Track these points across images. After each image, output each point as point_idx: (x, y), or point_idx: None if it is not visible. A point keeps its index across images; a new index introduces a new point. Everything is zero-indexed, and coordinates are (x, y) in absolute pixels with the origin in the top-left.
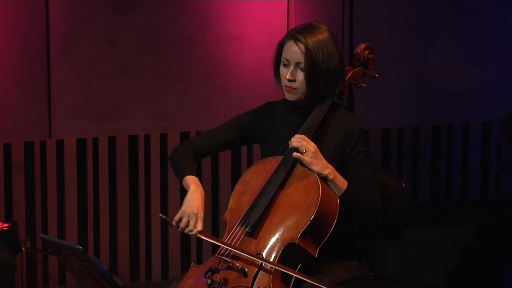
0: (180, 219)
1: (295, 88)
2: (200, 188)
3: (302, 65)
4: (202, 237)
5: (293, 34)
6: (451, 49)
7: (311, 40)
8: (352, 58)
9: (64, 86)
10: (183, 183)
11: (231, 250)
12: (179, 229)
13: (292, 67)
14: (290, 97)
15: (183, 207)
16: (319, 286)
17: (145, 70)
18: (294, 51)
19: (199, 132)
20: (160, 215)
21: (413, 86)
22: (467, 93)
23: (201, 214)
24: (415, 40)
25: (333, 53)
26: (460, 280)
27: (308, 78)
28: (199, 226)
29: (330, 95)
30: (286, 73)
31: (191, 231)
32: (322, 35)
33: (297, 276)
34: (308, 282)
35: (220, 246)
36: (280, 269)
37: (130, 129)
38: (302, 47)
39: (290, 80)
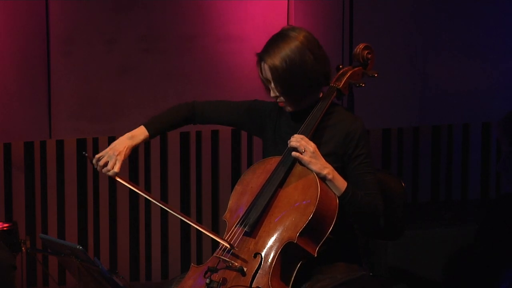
0: (100, 158)
1: (284, 101)
2: (133, 141)
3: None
4: (119, 180)
5: (258, 54)
6: (451, 49)
7: (274, 53)
8: (351, 58)
9: (64, 86)
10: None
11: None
12: (98, 167)
13: (272, 84)
14: (287, 109)
15: (107, 148)
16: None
17: (145, 70)
18: (264, 70)
19: (199, 132)
20: (83, 152)
21: (413, 86)
22: (467, 93)
23: (120, 157)
24: (415, 40)
25: (303, 56)
26: (460, 280)
27: (283, 90)
28: (116, 168)
29: (319, 92)
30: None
31: (108, 171)
32: (287, 43)
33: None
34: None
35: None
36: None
37: (130, 129)
38: (266, 64)
39: (275, 97)
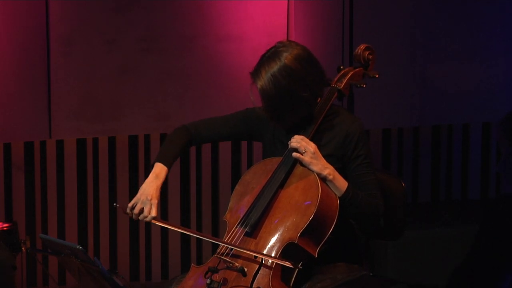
0: (134, 206)
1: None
2: (160, 179)
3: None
4: (157, 223)
5: (252, 74)
6: (451, 49)
7: (263, 77)
8: (352, 58)
9: (64, 86)
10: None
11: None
12: (134, 216)
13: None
14: (279, 127)
15: (138, 195)
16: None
17: (145, 70)
18: (256, 93)
19: None
20: (114, 204)
21: (413, 86)
22: (467, 93)
23: (154, 201)
24: (415, 40)
25: (292, 78)
26: (460, 280)
27: (272, 114)
28: (153, 212)
29: (312, 108)
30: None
31: (146, 217)
32: (276, 65)
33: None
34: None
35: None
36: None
37: (130, 129)
38: (258, 88)
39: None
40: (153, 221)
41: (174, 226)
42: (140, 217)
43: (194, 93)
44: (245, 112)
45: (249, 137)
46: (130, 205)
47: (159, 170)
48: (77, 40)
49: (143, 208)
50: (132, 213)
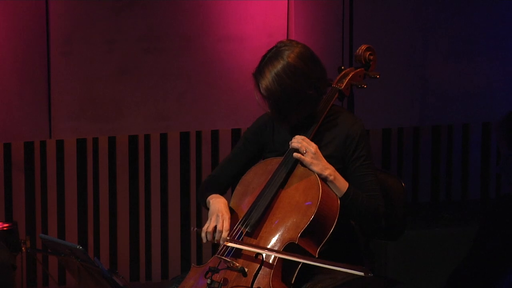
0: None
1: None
2: (221, 198)
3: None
4: (231, 244)
5: (254, 74)
6: (451, 49)
7: (267, 77)
8: (353, 59)
9: (64, 86)
10: (208, 206)
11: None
12: (209, 236)
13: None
14: (284, 127)
15: (209, 219)
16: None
17: (145, 70)
18: (260, 91)
19: (199, 132)
20: (193, 228)
21: (413, 86)
22: (467, 93)
23: (225, 216)
24: (415, 40)
25: (297, 76)
26: (460, 280)
27: (278, 114)
28: (226, 225)
29: (316, 105)
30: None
31: (220, 232)
32: (280, 64)
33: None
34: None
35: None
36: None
37: (130, 129)
38: (262, 88)
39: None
40: (225, 243)
41: (250, 246)
42: (216, 238)
43: (194, 93)
44: (246, 135)
45: (259, 153)
46: (204, 228)
47: (216, 195)
48: (77, 40)
49: (216, 226)
50: (206, 234)
